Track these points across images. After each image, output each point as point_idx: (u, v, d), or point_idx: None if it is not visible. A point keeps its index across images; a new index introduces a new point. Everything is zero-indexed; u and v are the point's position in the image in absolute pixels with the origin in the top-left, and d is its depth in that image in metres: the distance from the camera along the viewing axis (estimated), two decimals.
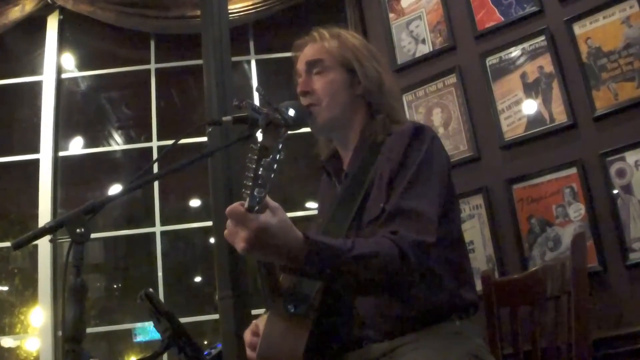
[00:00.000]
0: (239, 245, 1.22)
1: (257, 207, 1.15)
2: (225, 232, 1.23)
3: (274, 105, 1.31)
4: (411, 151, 1.52)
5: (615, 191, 2.57)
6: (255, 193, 1.14)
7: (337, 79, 1.68)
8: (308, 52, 1.73)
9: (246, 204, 1.16)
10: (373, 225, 1.49)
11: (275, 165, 1.13)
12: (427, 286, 1.46)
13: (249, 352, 1.56)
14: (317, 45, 1.72)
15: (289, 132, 1.42)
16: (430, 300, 1.47)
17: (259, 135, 1.24)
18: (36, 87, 3.75)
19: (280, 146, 1.15)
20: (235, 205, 1.20)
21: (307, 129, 1.72)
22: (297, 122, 1.54)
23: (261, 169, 1.12)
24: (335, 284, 1.37)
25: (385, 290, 1.40)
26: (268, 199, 1.19)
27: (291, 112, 1.46)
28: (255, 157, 1.13)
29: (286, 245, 1.23)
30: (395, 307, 1.47)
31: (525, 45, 2.89)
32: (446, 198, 1.54)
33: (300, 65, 1.72)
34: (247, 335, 1.58)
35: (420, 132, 1.55)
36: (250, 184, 1.13)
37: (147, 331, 3.50)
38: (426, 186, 1.48)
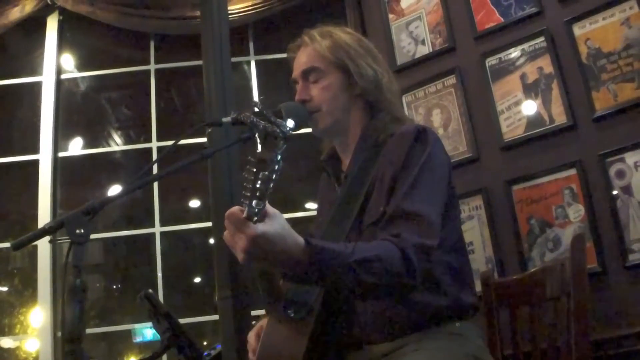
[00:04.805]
0: (239, 255, 1.21)
1: (255, 218, 1.15)
2: (225, 235, 1.23)
3: (271, 117, 1.30)
4: (413, 154, 1.51)
5: (614, 192, 2.56)
6: (253, 204, 1.13)
7: (333, 83, 1.68)
8: (302, 58, 1.72)
9: (245, 214, 1.15)
10: (373, 228, 1.48)
11: (274, 176, 1.13)
12: (427, 290, 1.45)
13: (250, 356, 1.55)
14: (309, 50, 1.71)
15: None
16: (430, 304, 1.47)
17: (258, 147, 1.22)
18: (36, 88, 3.75)
19: (279, 158, 1.14)
20: (235, 209, 1.19)
21: (308, 130, 1.72)
22: (296, 129, 1.53)
23: (259, 182, 1.12)
24: (337, 289, 1.36)
25: (388, 293, 1.40)
26: (267, 205, 1.18)
27: (290, 123, 1.44)
28: (254, 169, 1.12)
29: (286, 251, 1.22)
30: (395, 310, 1.47)
31: (525, 46, 2.89)
32: (447, 201, 1.54)
33: (296, 74, 1.72)
34: (251, 339, 1.58)
35: (422, 135, 1.55)
36: (249, 194, 1.13)
37: (142, 332, 3.51)
38: (428, 189, 1.48)
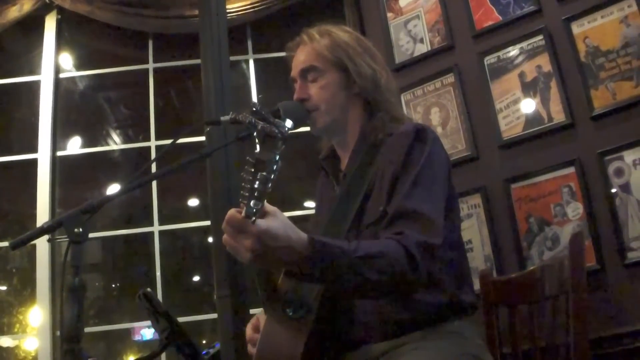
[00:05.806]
0: (245, 255, 1.19)
1: (253, 218, 1.15)
2: (225, 239, 1.22)
3: (269, 117, 1.29)
4: (413, 153, 1.51)
5: (613, 190, 2.57)
6: (251, 204, 1.13)
7: (331, 82, 1.67)
8: (300, 57, 1.72)
9: (243, 213, 1.15)
10: (374, 227, 1.48)
11: (273, 176, 1.13)
12: (426, 289, 1.45)
13: (250, 347, 1.55)
14: (307, 49, 1.71)
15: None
16: (429, 302, 1.47)
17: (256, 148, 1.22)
18: (34, 87, 3.74)
19: (278, 158, 1.14)
20: (233, 212, 1.18)
21: (306, 128, 1.72)
22: (295, 128, 1.53)
23: (257, 182, 1.12)
24: (339, 286, 1.35)
25: (391, 291, 1.39)
26: (265, 204, 1.18)
27: (288, 124, 1.44)
28: (252, 169, 1.13)
29: (290, 247, 1.22)
30: (394, 309, 1.47)
31: (524, 44, 2.89)
32: (447, 200, 1.54)
33: (295, 73, 1.72)
34: (248, 331, 1.58)
35: (422, 134, 1.55)
36: (247, 194, 1.13)
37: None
38: (429, 188, 1.47)
